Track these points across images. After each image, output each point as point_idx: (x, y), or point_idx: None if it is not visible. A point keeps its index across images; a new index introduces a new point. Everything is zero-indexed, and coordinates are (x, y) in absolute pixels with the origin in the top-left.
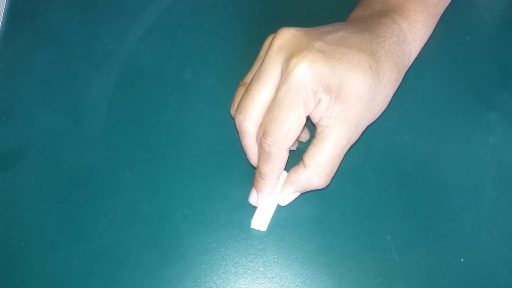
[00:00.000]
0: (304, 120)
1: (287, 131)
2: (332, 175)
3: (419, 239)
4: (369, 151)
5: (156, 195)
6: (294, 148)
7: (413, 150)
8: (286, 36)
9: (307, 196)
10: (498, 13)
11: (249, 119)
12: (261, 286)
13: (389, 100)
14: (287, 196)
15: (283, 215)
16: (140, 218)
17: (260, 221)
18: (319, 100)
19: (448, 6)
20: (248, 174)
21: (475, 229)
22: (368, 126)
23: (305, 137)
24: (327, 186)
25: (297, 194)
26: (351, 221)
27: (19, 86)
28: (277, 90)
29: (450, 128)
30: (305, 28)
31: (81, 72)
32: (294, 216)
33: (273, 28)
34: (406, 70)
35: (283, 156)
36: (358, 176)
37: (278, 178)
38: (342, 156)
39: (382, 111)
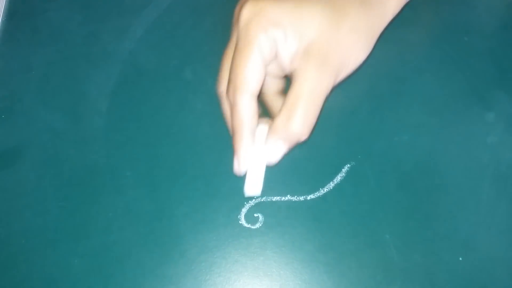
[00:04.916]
0: (260, 62)
1: (246, 74)
2: (309, 121)
3: (418, 238)
4: (368, 150)
5: (156, 194)
6: None
7: (412, 150)
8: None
9: (305, 195)
10: (497, 14)
11: (223, 83)
12: (261, 284)
13: (361, 32)
14: (272, 150)
15: (283, 214)
16: (140, 216)
17: (253, 185)
18: (274, 39)
19: (446, 5)
20: None
21: (473, 228)
22: (355, 71)
23: None
24: (309, 136)
25: (282, 146)
26: (350, 220)
27: (19, 85)
28: None
29: (449, 128)
30: None
31: (81, 70)
32: (294, 215)
33: None
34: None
35: (248, 104)
36: (357, 175)
37: (252, 133)
38: (316, 98)
39: (356, 43)
